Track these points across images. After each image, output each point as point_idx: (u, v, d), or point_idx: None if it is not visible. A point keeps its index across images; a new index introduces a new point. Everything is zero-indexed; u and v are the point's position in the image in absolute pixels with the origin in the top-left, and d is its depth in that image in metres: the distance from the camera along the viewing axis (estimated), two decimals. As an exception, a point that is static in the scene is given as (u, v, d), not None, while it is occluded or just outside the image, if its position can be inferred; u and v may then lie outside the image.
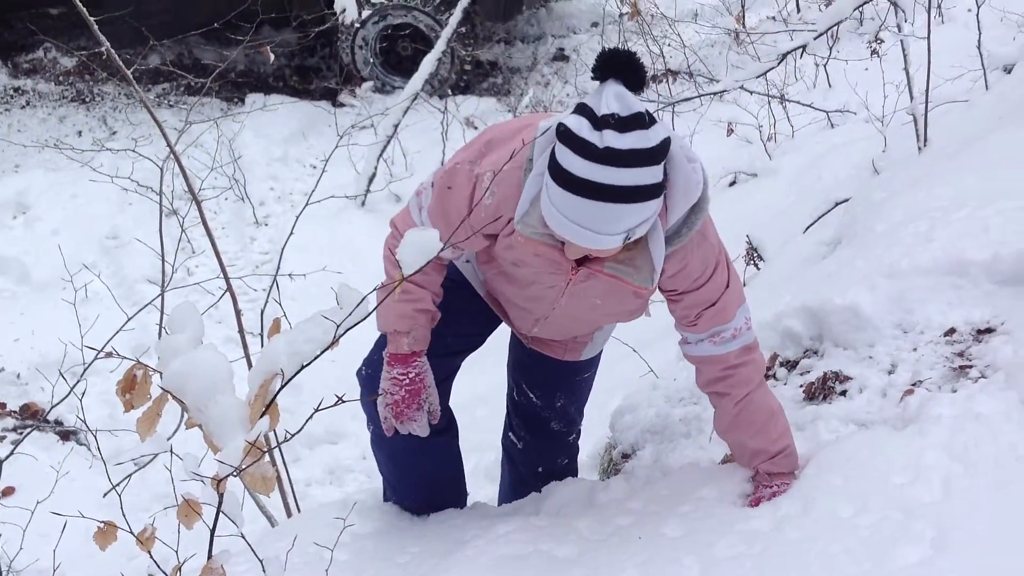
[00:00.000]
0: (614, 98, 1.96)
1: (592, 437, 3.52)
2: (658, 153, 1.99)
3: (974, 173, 3.43)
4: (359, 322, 1.91)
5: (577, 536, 2.50)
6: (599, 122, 1.95)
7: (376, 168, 6.20)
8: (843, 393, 2.74)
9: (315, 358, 1.90)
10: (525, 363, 2.83)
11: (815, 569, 2.08)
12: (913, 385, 2.62)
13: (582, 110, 1.99)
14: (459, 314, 2.58)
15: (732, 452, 2.60)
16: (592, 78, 2.04)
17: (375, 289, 1.91)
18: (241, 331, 3.32)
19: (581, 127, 1.96)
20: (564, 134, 1.98)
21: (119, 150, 4.56)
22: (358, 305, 1.92)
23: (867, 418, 2.58)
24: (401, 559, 2.59)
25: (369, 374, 2.66)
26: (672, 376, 3.33)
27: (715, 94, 4.79)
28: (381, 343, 2.60)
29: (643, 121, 1.97)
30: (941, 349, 2.71)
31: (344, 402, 1.72)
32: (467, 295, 2.63)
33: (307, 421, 1.78)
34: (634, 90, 2.00)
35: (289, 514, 3.29)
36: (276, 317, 2.11)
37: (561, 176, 2.00)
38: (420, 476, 2.79)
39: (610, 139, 1.94)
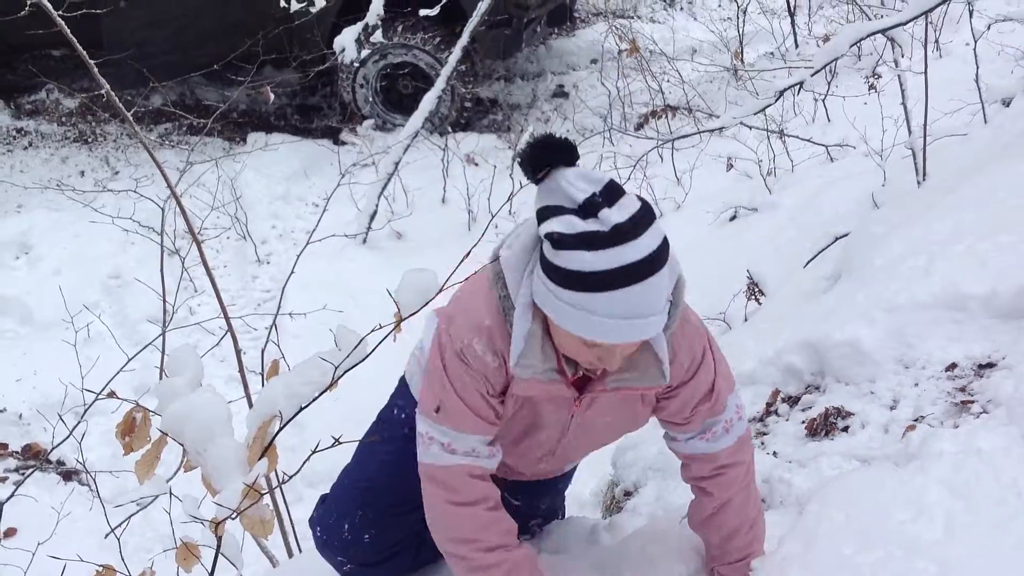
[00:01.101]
0: (579, 179, 1.83)
1: (594, 475, 3.51)
2: (649, 207, 1.87)
3: (972, 207, 3.44)
4: (357, 364, 1.91)
5: None
6: (586, 209, 1.80)
7: (377, 206, 6.22)
8: (845, 429, 2.74)
9: (313, 400, 1.90)
10: (504, 482, 2.41)
11: (818, 608, 2.07)
12: (915, 420, 2.61)
13: (558, 211, 1.82)
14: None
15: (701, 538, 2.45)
16: (533, 179, 1.88)
17: (372, 331, 1.90)
18: (242, 371, 3.32)
19: (572, 225, 1.80)
20: (560, 241, 1.81)
21: (121, 191, 4.58)
22: (356, 346, 1.93)
23: (869, 454, 2.58)
24: (401, 599, 2.57)
25: (321, 538, 2.48)
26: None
27: (713, 130, 4.81)
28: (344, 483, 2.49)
29: (619, 186, 1.85)
30: (942, 384, 2.71)
31: (340, 443, 1.71)
32: None
33: (303, 465, 1.78)
34: (574, 164, 1.88)
35: (290, 554, 3.27)
36: (274, 359, 2.12)
37: (582, 282, 1.80)
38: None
39: (610, 217, 1.79)
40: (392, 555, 2.46)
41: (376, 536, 2.40)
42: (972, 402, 2.58)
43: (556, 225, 1.82)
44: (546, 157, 1.85)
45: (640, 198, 1.86)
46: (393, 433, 2.35)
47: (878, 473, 2.40)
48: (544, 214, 1.85)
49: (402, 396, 2.38)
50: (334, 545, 2.45)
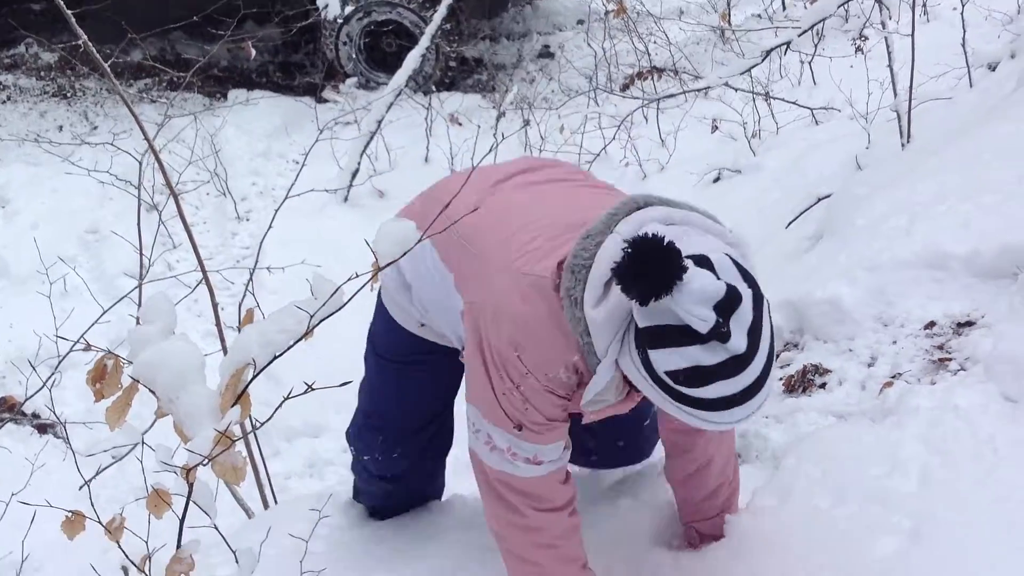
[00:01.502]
0: (698, 306, 1.62)
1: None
2: (759, 296, 1.70)
3: (955, 169, 3.43)
4: (333, 313, 1.89)
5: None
6: (711, 340, 1.64)
7: (359, 163, 6.17)
8: (823, 386, 2.74)
9: (288, 348, 1.88)
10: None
11: (792, 561, 2.08)
12: (892, 377, 2.61)
13: (675, 340, 1.66)
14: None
15: (676, 499, 2.44)
16: (640, 303, 1.67)
17: (348, 280, 1.87)
18: (219, 324, 3.29)
19: (697, 360, 1.65)
20: (686, 380, 1.68)
21: (98, 144, 4.52)
22: (332, 295, 1.91)
23: (846, 410, 2.58)
24: (378, 550, 2.57)
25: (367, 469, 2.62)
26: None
27: (699, 90, 4.79)
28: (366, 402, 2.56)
29: (734, 292, 1.65)
30: (921, 342, 2.71)
31: (313, 390, 1.69)
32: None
33: (274, 412, 1.77)
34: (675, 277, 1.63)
35: (266, 506, 3.26)
36: (249, 308, 2.09)
37: (704, 405, 1.70)
38: (413, 497, 2.76)
39: (735, 344, 1.64)
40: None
41: (405, 449, 2.50)
42: (950, 360, 2.59)
43: (678, 360, 1.67)
44: (655, 282, 1.62)
45: (743, 272, 1.71)
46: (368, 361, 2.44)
47: (854, 429, 2.41)
48: (657, 337, 1.68)
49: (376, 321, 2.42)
50: (382, 474, 2.56)
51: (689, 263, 1.63)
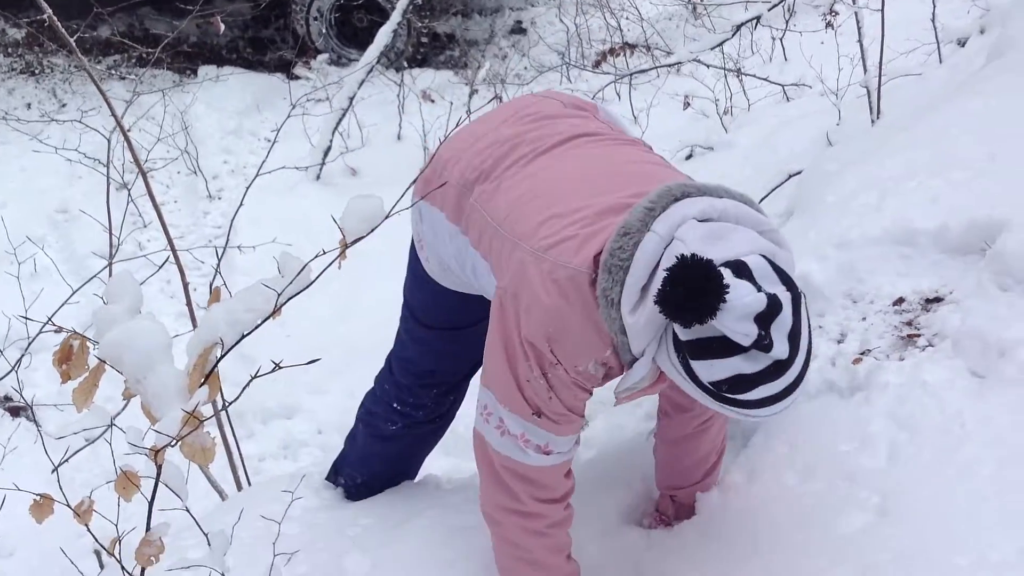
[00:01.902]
0: (739, 323, 1.65)
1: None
2: (792, 307, 1.71)
3: (925, 144, 3.44)
4: (301, 291, 1.88)
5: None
6: (754, 351, 1.68)
7: (331, 141, 6.13)
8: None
9: (256, 327, 1.87)
10: None
11: (761, 538, 2.09)
12: (862, 354, 2.63)
13: (719, 352, 1.69)
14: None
15: (658, 463, 2.47)
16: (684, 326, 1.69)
17: (316, 256, 1.85)
18: (189, 304, 3.27)
19: (740, 369, 1.69)
20: (731, 388, 1.71)
21: (66, 121, 4.47)
22: (299, 273, 1.90)
23: (816, 387, 2.59)
24: (351, 531, 2.57)
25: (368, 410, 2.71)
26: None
27: (670, 66, 4.78)
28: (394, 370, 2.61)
29: (775, 300, 1.68)
30: (890, 318, 2.72)
31: (280, 368, 1.68)
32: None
33: (244, 388, 1.76)
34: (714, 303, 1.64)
35: (240, 488, 3.26)
36: (216, 287, 2.08)
37: (748, 405, 1.75)
38: (402, 472, 2.81)
39: (778, 351, 1.68)
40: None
41: (458, 395, 2.60)
42: (919, 336, 2.60)
43: (722, 371, 1.70)
44: (699, 309, 1.64)
45: (781, 274, 1.73)
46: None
47: (823, 405, 2.43)
48: (700, 350, 1.71)
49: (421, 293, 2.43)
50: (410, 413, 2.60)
51: (728, 274, 1.65)
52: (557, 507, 2.09)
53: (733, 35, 4.44)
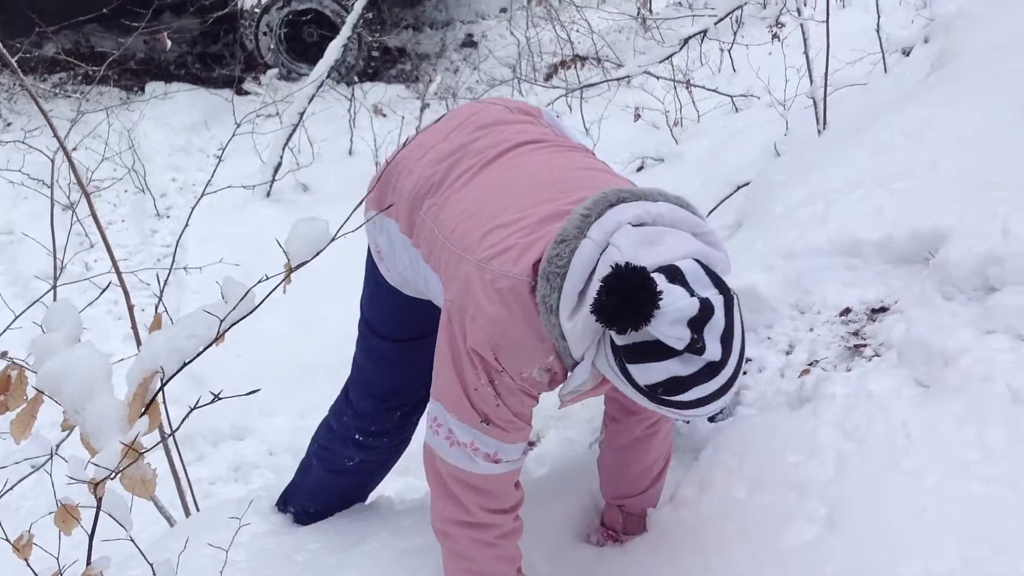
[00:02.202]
0: (673, 327, 1.69)
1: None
2: (724, 310, 1.75)
3: (870, 154, 3.47)
4: (244, 317, 1.86)
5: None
6: (688, 354, 1.71)
7: (282, 157, 6.09)
8: (743, 374, 2.76)
9: (198, 355, 1.84)
10: None
11: (710, 551, 2.09)
12: (810, 365, 2.64)
13: (653, 355, 1.73)
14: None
15: (604, 473, 2.47)
16: (620, 333, 1.74)
17: (260, 282, 1.84)
18: (134, 326, 3.22)
19: (673, 371, 1.73)
20: (667, 390, 1.75)
21: (8, 142, 4.40)
22: (243, 299, 1.87)
23: (765, 399, 2.60)
24: (300, 556, 2.55)
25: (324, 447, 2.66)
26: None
27: (620, 79, 4.80)
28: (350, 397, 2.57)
29: (707, 304, 1.71)
30: (837, 329, 2.75)
31: (220, 399, 1.66)
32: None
33: (182, 422, 1.72)
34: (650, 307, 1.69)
35: (188, 514, 3.21)
36: (157, 313, 2.05)
37: (685, 405, 1.78)
38: (357, 498, 2.79)
39: (711, 352, 1.72)
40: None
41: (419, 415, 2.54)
42: (865, 346, 2.62)
43: (657, 374, 1.74)
44: (633, 317, 1.68)
45: (714, 277, 1.77)
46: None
47: (771, 417, 2.44)
48: (636, 354, 1.75)
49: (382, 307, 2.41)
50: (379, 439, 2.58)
51: (661, 280, 1.69)
52: (507, 518, 2.09)
53: (681, 48, 4.47)
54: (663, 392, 1.75)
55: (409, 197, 2.13)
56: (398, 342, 2.41)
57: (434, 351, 2.23)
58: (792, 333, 2.80)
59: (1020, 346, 2.32)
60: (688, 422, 2.58)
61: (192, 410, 1.71)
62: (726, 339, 1.74)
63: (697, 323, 1.69)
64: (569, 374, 1.93)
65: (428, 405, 2.10)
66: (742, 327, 1.81)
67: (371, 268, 2.36)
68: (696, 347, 1.70)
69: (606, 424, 2.39)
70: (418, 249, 2.11)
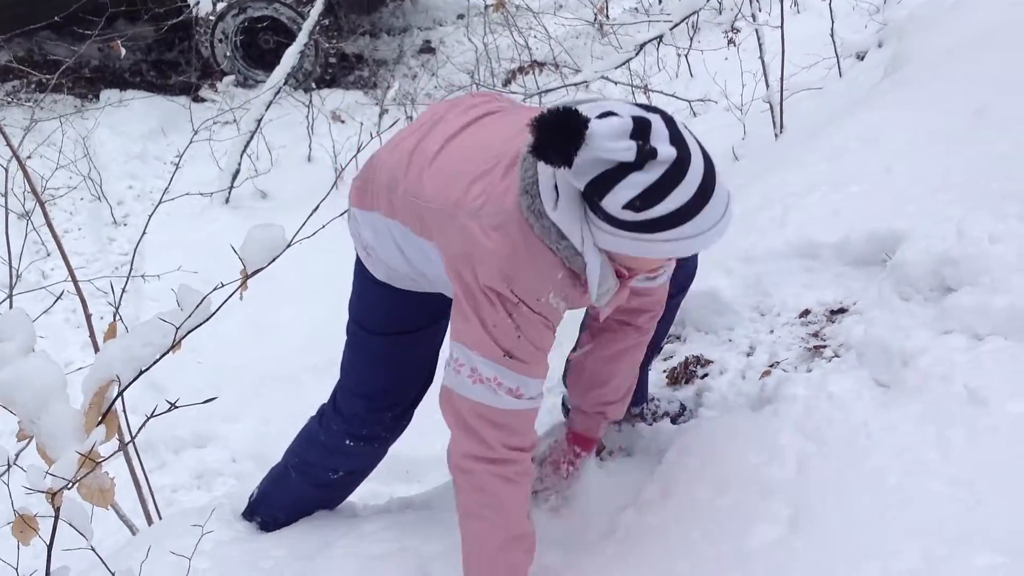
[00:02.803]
0: (611, 140, 1.76)
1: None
2: (661, 112, 1.85)
3: (825, 158, 3.51)
4: (200, 324, 1.84)
5: (443, 530, 2.47)
6: (642, 161, 1.76)
7: (240, 164, 6.04)
8: (704, 376, 2.78)
9: (154, 363, 1.82)
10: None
11: (675, 553, 2.10)
12: (771, 366, 2.66)
13: (615, 178, 1.79)
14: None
15: (585, 384, 2.49)
16: (568, 164, 1.79)
17: (215, 289, 1.82)
18: (92, 335, 3.18)
19: (642, 183, 1.77)
20: (642, 203, 1.78)
21: (-41, 151, 4.32)
22: (198, 306, 1.86)
23: (727, 401, 2.62)
24: (264, 564, 2.52)
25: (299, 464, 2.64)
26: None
27: (577, 84, 4.81)
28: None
29: (639, 115, 1.79)
30: (796, 330, 2.77)
31: (176, 407, 1.64)
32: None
33: (139, 430, 1.70)
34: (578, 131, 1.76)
35: (150, 521, 3.17)
36: (112, 322, 2.02)
37: (674, 219, 1.80)
38: (326, 507, 2.79)
39: (665, 152, 1.77)
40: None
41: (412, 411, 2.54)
42: (824, 347, 2.65)
43: (627, 192, 1.78)
44: (565, 139, 1.76)
45: (646, 107, 1.85)
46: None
47: (734, 419, 2.45)
48: (601, 187, 1.80)
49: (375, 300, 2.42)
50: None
51: (592, 119, 1.77)
52: (525, 456, 2.11)
53: (637, 54, 4.49)
54: (641, 207, 1.78)
55: (386, 183, 2.20)
56: (387, 336, 2.43)
57: (424, 344, 2.41)
58: (753, 335, 2.82)
59: (977, 346, 2.35)
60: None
61: (148, 419, 1.69)
62: (676, 141, 1.79)
63: (638, 133, 1.77)
64: (583, 277, 1.99)
65: (449, 350, 2.12)
66: (693, 136, 1.84)
67: (359, 268, 2.40)
68: (647, 151, 1.76)
69: (592, 336, 2.44)
70: (406, 225, 2.17)
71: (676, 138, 1.80)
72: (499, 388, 2.03)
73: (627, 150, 1.75)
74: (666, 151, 1.77)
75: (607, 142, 1.75)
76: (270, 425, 4.05)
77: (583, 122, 1.76)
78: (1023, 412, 2.10)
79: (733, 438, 2.37)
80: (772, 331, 2.80)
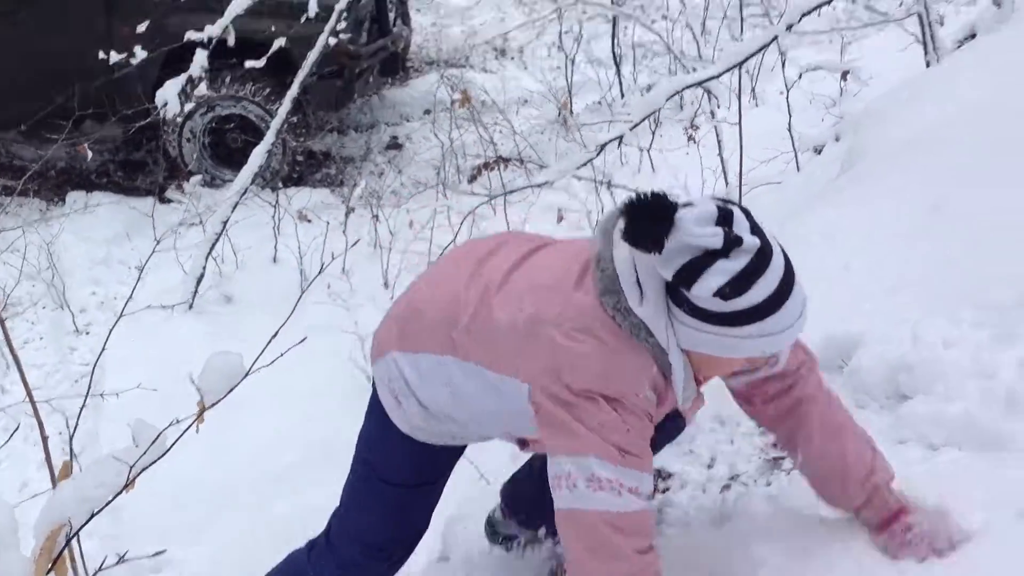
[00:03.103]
0: (699, 226, 1.80)
1: (423, 547, 3.44)
2: (735, 205, 1.90)
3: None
4: (154, 462, 1.83)
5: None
6: (729, 248, 1.81)
7: (204, 268, 6.00)
8: (666, 491, 2.77)
9: (107, 504, 1.81)
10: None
11: None
12: (731, 479, 2.66)
13: (704, 266, 1.82)
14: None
15: (832, 472, 2.24)
16: (658, 251, 1.84)
17: (170, 425, 1.82)
18: (48, 461, 3.12)
19: (730, 270, 1.81)
20: (731, 291, 1.82)
21: (-81, 265, 4.30)
22: (153, 442, 1.85)
23: (688, 516, 2.61)
24: None
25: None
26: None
27: (541, 185, 4.87)
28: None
29: (722, 205, 1.86)
30: (756, 440, 2.77)
31: (124, 561, 1.62)
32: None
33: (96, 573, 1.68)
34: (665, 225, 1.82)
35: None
36: (65, 460, 2.01)
37: (763, 310, 1.84)
38: None
39: (750, 241, 1.81)
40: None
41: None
42: (783, 458, 2.65)
43: (716, 279, 1.81)
44: (656, 222, 1.81)
45: (723, 201, 1.89)
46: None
47: (695, 534, 2.44)
48: (690, 274, 1.83)
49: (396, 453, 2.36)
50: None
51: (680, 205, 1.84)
52: (653, 557, 2.03)
53: (598, 154, 4.57)
54: (730, 295, 1.81)
55: (440, 320, 2.16)
56: (403, 487, 2.37)
57: (436, 497, 2.42)
58: (714, 445, 2.82)
59: (932, 456, 2.36)
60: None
61: (100, 569, 1.66)
62: (756, 230, 1.84)
63: (722, 220, 1.81)
64: (668, 378, 1.99)
65: (551, 470, 2.04)
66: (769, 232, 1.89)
67: (380, 415, 2.32)
68: (733, 239, 1.79)
69: (785, 435, 2.32)
70: (471, 360, 2.12)
71: (756, 228, 1.86)
72: (622, 489, 1.97)
73: (714, 236, 1.79)
74: (750, 240, 1.82)
75: (695, 227, 1.80)
76: (230, 551, 3.82)
77: (672, 207, 1.82)
78: (980, 528, 2.10)
79: (698, 555, 2.36)
80: (732, 441, 2.81)
